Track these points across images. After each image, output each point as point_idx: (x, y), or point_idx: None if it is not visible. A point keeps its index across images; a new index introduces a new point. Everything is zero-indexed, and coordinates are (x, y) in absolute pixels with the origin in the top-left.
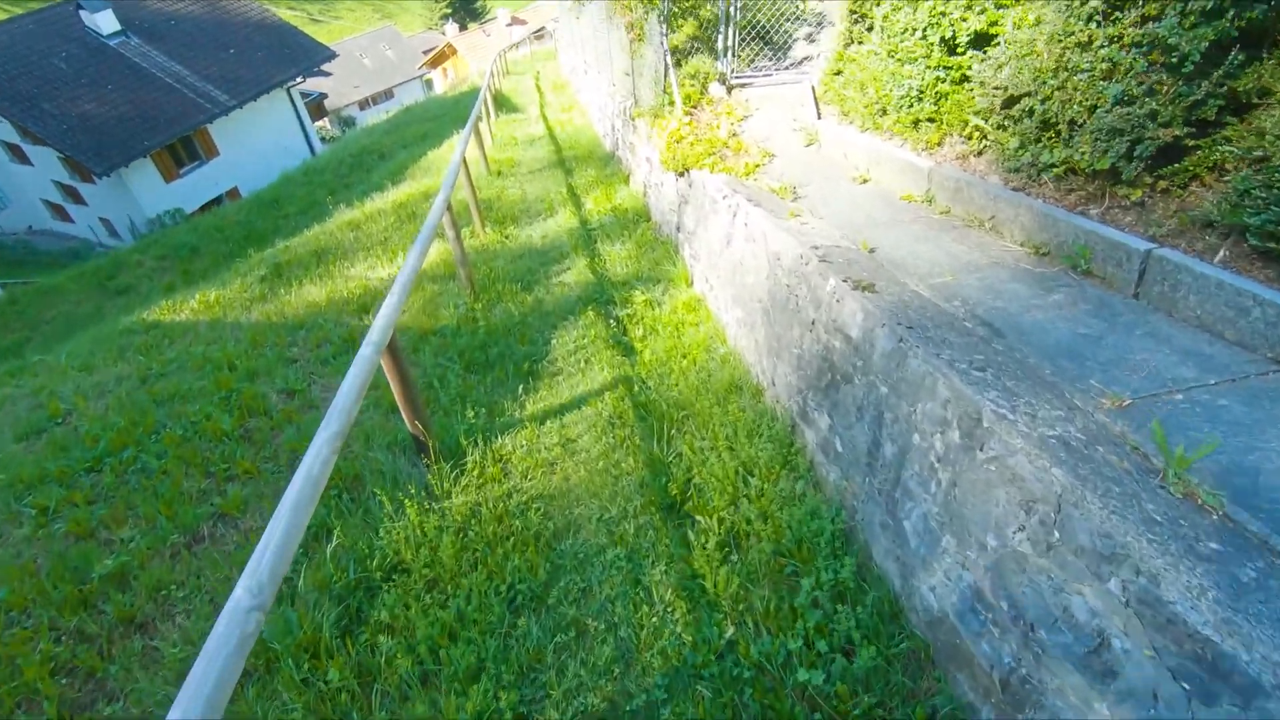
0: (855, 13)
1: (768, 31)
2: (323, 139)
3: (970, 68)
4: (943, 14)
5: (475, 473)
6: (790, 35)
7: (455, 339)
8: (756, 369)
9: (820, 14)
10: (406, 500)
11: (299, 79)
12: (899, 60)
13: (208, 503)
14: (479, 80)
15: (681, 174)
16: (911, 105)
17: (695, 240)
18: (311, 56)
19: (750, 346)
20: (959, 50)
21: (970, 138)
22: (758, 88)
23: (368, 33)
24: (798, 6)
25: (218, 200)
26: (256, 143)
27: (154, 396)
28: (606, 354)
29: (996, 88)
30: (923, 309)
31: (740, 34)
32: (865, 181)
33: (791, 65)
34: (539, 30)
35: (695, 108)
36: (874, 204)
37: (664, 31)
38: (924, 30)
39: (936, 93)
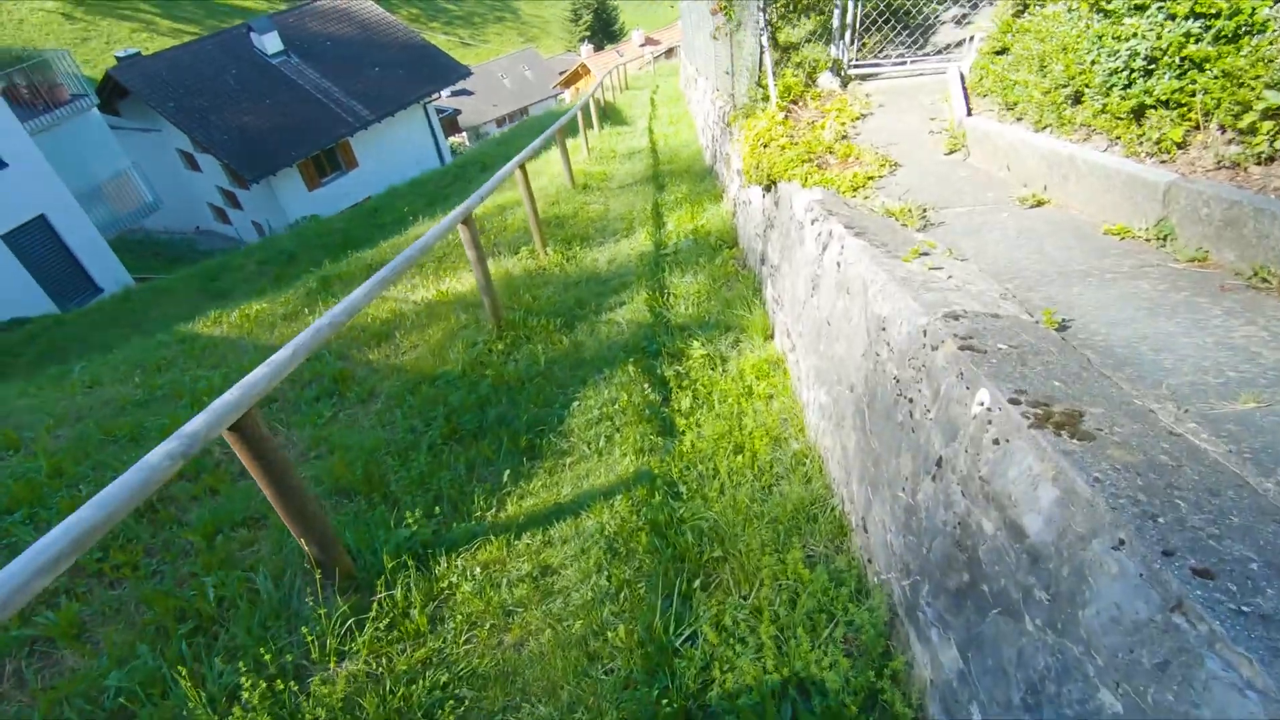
0: None
1: (903, 10)
2: (455, 153)
3: (1254, 9)
4: None
5: (384, 621)
6: (934, 15)
7: (451, 391)
8: (842, 491)
9: None
10: (245, 679)
11: (436, 95)
12: (1113, 14)
13: (36, 619)
14: (599, 95)
15: (769, 188)
16: (1131, 83)
17: (779, 278)
18: (449, 75)
19: (835, 452)
20: None
21: (1253, 131)
22: (886, 79)
23: (509, 54)
24: None
25: (354, 207)
26: (393, 155)
27: (110, 433)
28: (636, 431)
29: None
30: (1213, 499)
31: (867, 11)
32: (1040, 204)
33: (937, 52)
34: (670, 49)
35: (796, 102)
36: (1058, 240)
37: (762, 4)
38: None
39: (1184, 59)
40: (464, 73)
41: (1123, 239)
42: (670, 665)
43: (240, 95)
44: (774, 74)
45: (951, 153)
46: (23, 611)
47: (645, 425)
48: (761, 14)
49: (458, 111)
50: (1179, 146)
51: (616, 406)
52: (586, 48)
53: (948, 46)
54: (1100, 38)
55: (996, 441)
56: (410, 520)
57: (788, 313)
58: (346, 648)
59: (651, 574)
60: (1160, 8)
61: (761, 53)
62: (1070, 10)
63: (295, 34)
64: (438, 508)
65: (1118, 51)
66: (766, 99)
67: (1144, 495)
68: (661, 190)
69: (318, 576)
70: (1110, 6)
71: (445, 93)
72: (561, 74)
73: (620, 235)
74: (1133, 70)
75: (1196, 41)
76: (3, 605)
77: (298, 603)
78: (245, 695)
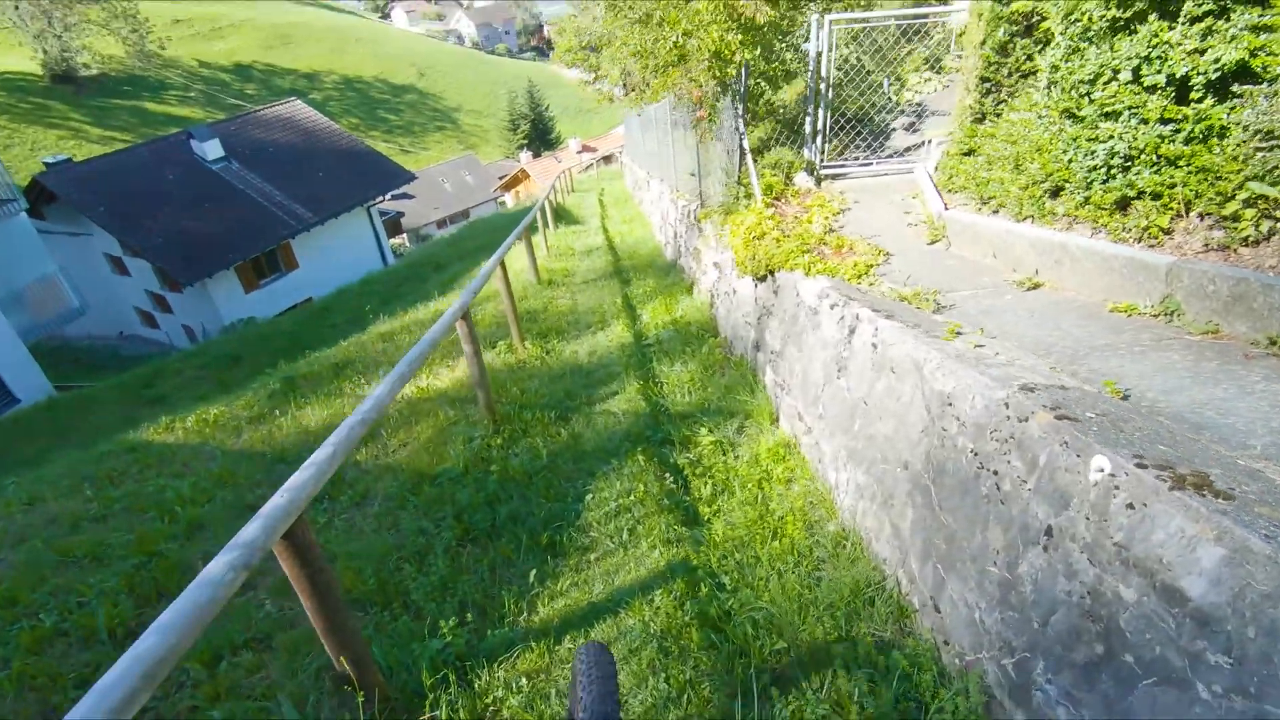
0: (989, 80)
1: (860, 118)
2: (396, 254)
3: (1221, 117)
4: (1167, 45)
5: None
6: (886, 124)
7: (457, 489)
8: (897, 572)
9: (919, 105)
10: None
11: (379, 199)
12: (1085, 120)
13: None
14: (551, 197)
15: (762, 278)
16: (1111, 178)
17: (782, 364)
18: (392, 179)
19: (883, 532)
20: (1194, 96)
21: (1236, 218)
22: (854, 178)
23: (449, 160)
24: (890, 97)
25: (293, 308)
26: (335, 256)
27: (64, 554)
28: (660, 522)
29: None
30: None
31: (833, 118)
32: (1036, 286)
33: (894, 155)
34: (607, 155)
35: (778, 199)
36: (1069, 318)
37: (739, 112)
38: (1136, 70)
39: (1160, 156)
40: (407, 177)
41: (1130, 316)
42: None
43: (178, 199)
44: (755, 173)
45: (934, 242)
46: None
47: (667, 515)
48: (740, 120)
49: (400, 214)
50: (1165, 232)
51: (633, 498)
52: (525, 154)
53: (905, 149)
54: (1074, 140)
55: (1131, 506)
56: (445, 630)
57: (797, 396)
58: None
59: (713, 672)
60: (1132, 113)
61: (742, 155)
62: (1040, 117)
63: (237, 141)
64: (467, 615)
65: (1094, 151)
66: (749, 196)
67: None
68: (627, 284)
69: (360, 699)
70: (1081, 114)
71: (387, 197)
72: (501, 178)
73: (594, 328)
74: (1112, 167)
75: (1170, 142)
76: None
77: None
78: None
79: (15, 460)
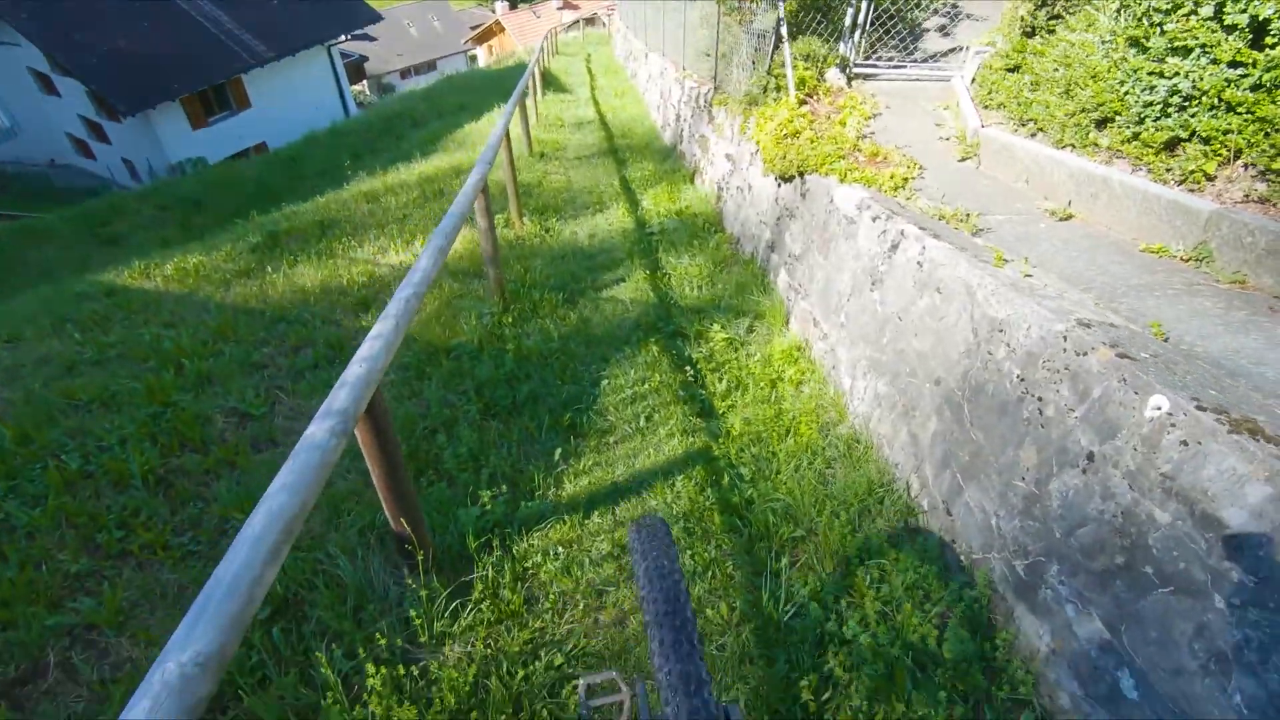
0: None
1: (897, 14)
2: (359, 103)
3: None
4: None
5: (485, 603)
6: (919, 24)
7: (474, 364)
8: (909, 476)
9: (953, 3)
10: (369, 664)
11: (342, 38)
12: (1151, 52)
13: (70, 605)
14: (526, 57)
15: (789, 179)
16: (1166, 115)
17: (800, 269)
18: (356, 17)
19: (898, 439)
20: (1269, 41)
21: None
22: (884, 80)
23: (417, 2)
24: None
25: (244, 153)
26: (290, 99)
27: (69, 396)
28: (676, 412)
29: None
30: None
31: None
32: (1069, 218)
33: (927, 59)
34: (590, 17)
35: (810, 95)
36: (1104, 254)
37: None
38: (1219, 5)
39: (1222, 101)
40: (372, 16)
41: (1160, 257)
42: (785, 640)
43: (114, 15)
44: (790, 65)
45: (964, 160)
46: (49, 596)
47: (683, 406)
48: (780, 2)
49: (364, 58)
50: (1208, 178)
51: (648, 386)
52: (501, 4)
53: (935, 55)
54: (1136, 71)
55: (1184, 443)
56: (485, 498)
57: (814, 302)
58: (451, 630)
59: (735, 553)
60: (1204, 52)
61: (778, 41)
62: (1103, 41)
63: None
64: (502, 486)
65: (1155, 86)
66: (779, 89)
67: None
68: (623, 166)
69: (420, 557)
70: (1149, 45)
71: (348, 36)
72: (474, 29)
73: (592, 209)
74: (1170, 105)
75: (1235, 86)
76: (248, 601)
77: (381, 584)
78: (370, 681)
79: None
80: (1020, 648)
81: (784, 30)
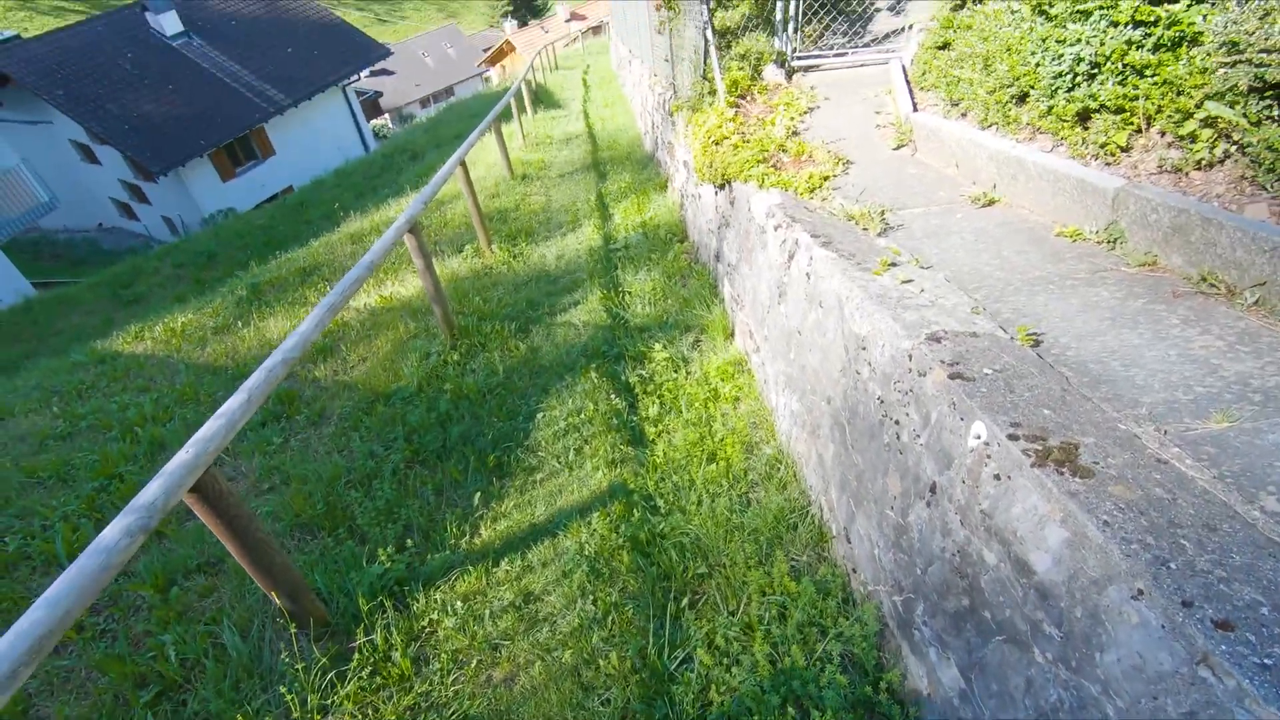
0: None
1: (831, 4)
2: (379, 136)
3: (1193, 22)
4: None
5: (367, 669)
6: (869, 5)
7: (409, 409)
8: (820, 499)
9: None
10: None
11: (355, 77)
12: (1055, 19)
13: None
14: (530, 76)
15: (722, 186)
16: (1075, 86)
17: (737, 278)
18: (367, 55)
19: (810, 459)
20: None
21: (1192, 139)
22: (828, 70)
23: (430, 32)
24: None
25: (273, 198)
26: (312, 141)
27: (31, 474)
28: (605, 442)
29: (1264, 51)
30: (1212, 536)
31: (807, 2)
32: (991, 203)
33: (874, 42)
34: (597, 26)
35: (744, 97)
36: (1013, 244)
37: None
38: None
39: (1125, 65)
40: (383, 52)
41: (1074, 242)
42: (667, 692)
43: (138, 81)
44: (720, 68)
45: (899, 147)
46: None
47: (614, 435)
48: (704, 5)
49: (379, 93)
50: (1123, 150)
51: (583, 416)
52: (510, 24)
53: (885, 35)
54: (1044, 41)
55: (998, 477)
56: (383, 556)
57: (749, 314)
58: (329, 702)
59: (638, 595)
60: (1103, 14)
61: (706, 45)
62: (1012, 12)
63: (196, 13)
64: (409, 540)
65: (1061, 55)
66: (713, 93)
67: (1151, 538)
68: (604, 179)
69: (292, 629)
70: (1053, 11)
71: (364, 73)
72: (486, 51)
73: (566, 228)
74: (1076, 74)
75: (1138, 49)
76: None
77: (270, 657)
78: None
79: None
80: (907, 690)
81: (709, 32)
